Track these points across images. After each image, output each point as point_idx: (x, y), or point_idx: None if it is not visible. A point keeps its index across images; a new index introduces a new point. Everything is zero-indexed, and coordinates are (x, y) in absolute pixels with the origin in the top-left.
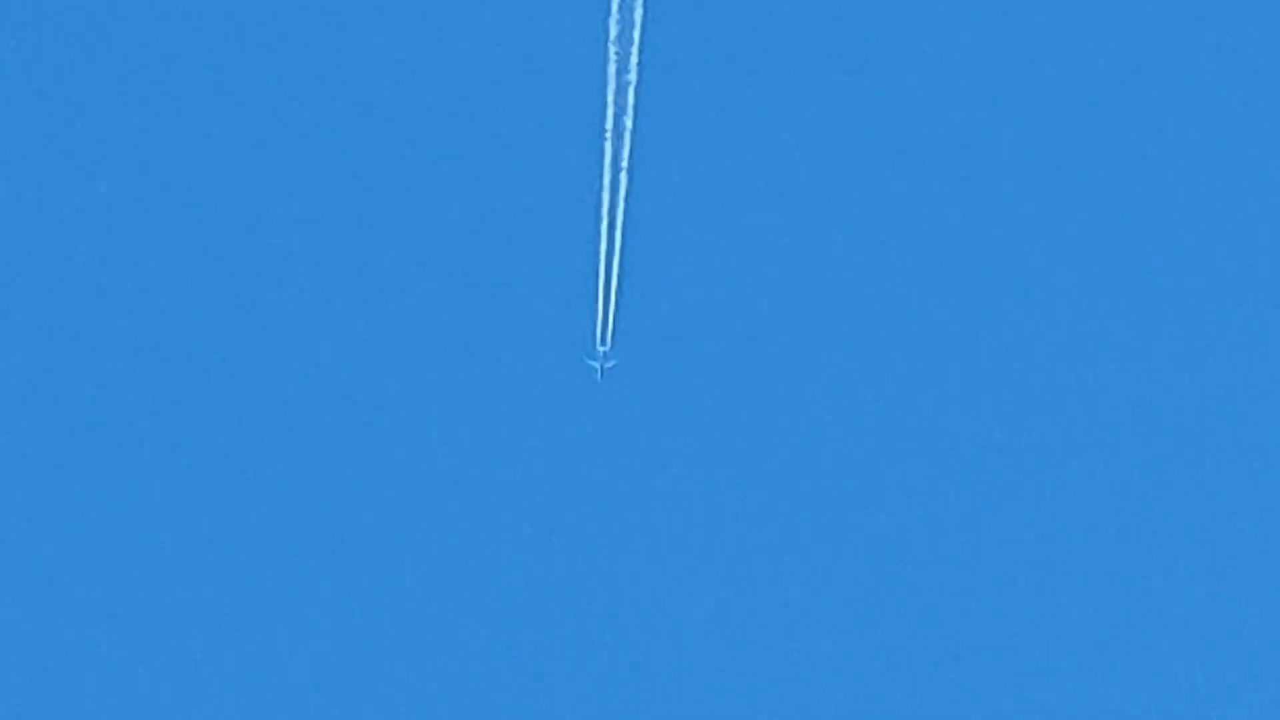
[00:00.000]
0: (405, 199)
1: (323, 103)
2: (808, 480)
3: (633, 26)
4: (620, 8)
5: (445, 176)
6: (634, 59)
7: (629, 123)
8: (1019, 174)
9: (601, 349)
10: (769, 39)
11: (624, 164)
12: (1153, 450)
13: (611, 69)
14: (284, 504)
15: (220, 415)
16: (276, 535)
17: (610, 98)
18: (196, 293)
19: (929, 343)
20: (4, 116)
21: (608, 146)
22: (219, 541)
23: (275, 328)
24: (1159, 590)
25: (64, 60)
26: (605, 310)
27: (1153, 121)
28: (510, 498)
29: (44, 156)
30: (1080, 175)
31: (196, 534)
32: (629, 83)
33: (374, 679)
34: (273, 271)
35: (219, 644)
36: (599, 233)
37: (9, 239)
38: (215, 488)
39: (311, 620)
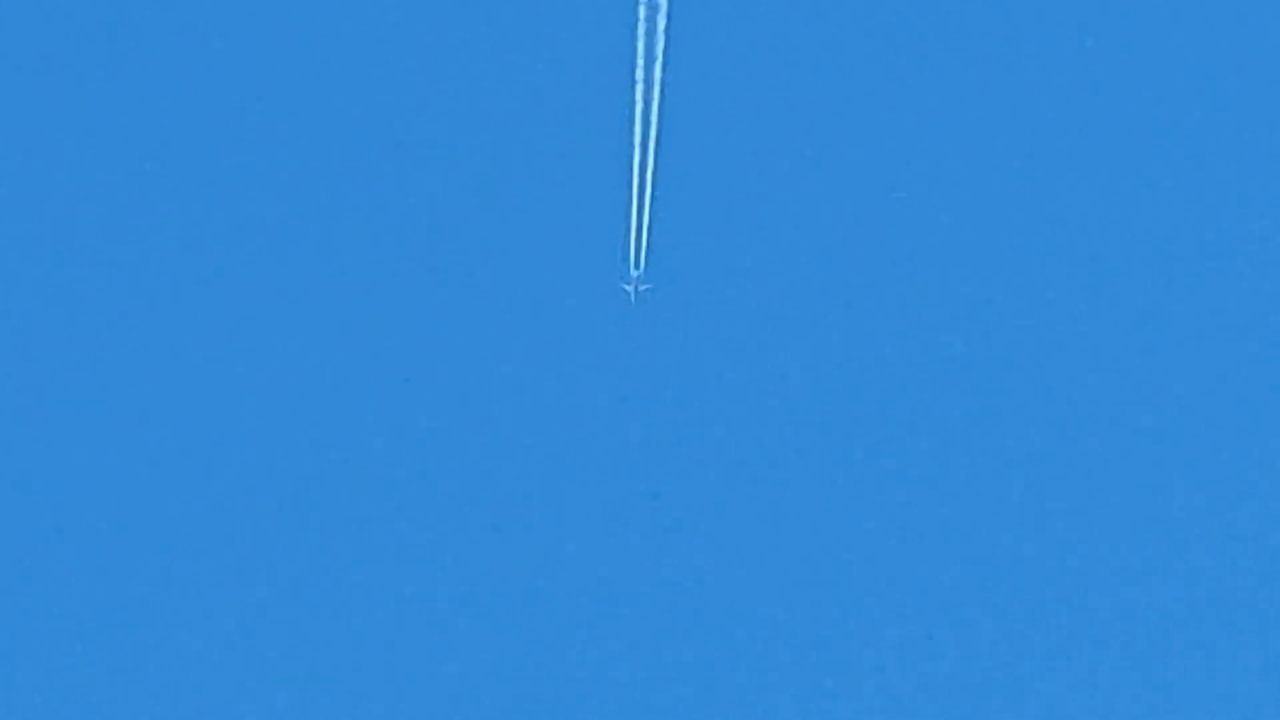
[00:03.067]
0: (436, 123)
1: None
2: (842, 412)
3: None
4: None
5: (477, 102)
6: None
7: (659, 60)
8: (1054, 167)
9: (635, 273)
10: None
11: (656, 85)
12: (1157, 451)
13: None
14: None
15: (241, 372)
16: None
17: (641, 31)
18: (226, 260)
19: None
20: (4, 116)
21: (639, 78)
22: (240, 513)
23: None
24: (1159, 590)
25: (64, 60)
26: (639, 234)
27: (1208, 137)
28: (545, 424)
29: (44, 156)
30: (1131, 173)
31: (227, 520)
32: (659, 20)
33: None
34: (298, 198)
35: (242, 637)
36: (632, 156)
37: (9, 239)
38: (227, 452)
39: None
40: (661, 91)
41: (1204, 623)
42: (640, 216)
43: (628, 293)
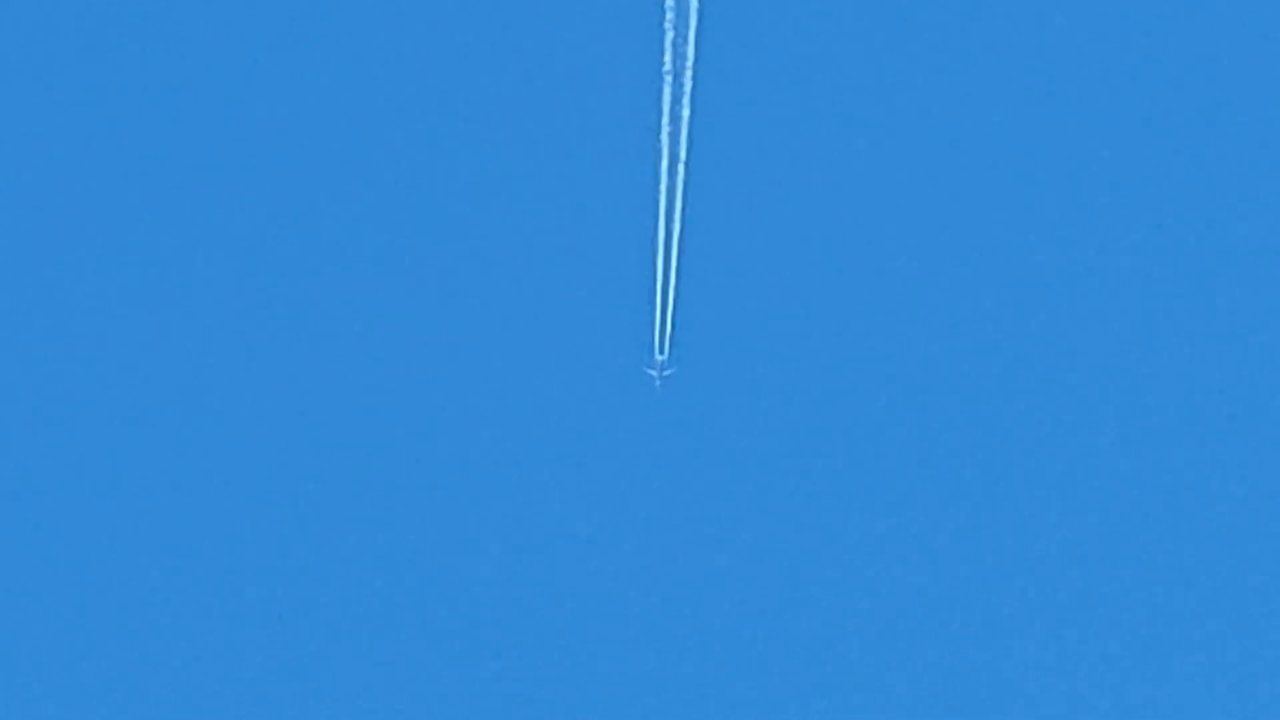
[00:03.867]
0: (462, 204)
1: (368, 103)
2: (865, 491)
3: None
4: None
5: (503, 186)
6: (689, 67)
7: (683, 146)
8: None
9: (660, 357)
10: (826, 41)
11: (681, 163)
12: (1162, 454)
13: (667, 87)
14: (331, 515)
15: (249, 435)
16: (317, 551)
17: (666, 103)
18: (248, 282)
19: (999, 366)
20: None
21: (664, 157)
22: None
23: (326, 332)
24: (1159, 591)
25: (64, 60)
26: (663, 318)
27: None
28: (567, 505)
29: (44, 156)
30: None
31: (238, 531)
32: (684, 86)
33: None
34: (321, 275)
35: (248, 643)
36: (656, 240)
37: (9, 239)
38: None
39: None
40: (686, 171)
41: (1204, 623)
42: (665, 301)
43: (652, 377)
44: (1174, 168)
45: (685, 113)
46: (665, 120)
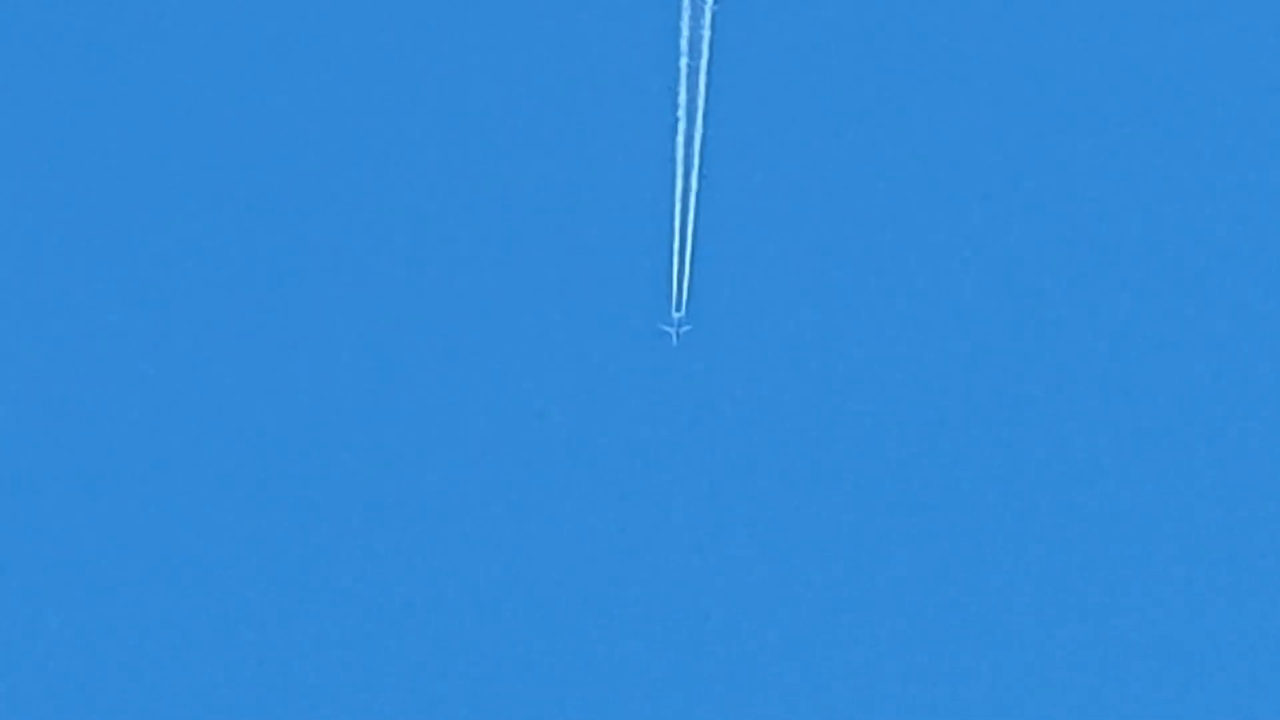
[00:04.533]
0: (479, 168)
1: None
2: (882, 452)
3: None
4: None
5: (521, 146)
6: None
7: (700, 104)
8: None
9: (677, 315)
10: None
11: (698, 128)
12: (1158, 452)
13: (683, 55)
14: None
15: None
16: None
17: (683, 61)
18: (252, 266)
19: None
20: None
21: (680, 120)
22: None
23: (338, 312)
24: (1159, 590)
25: (64, 60)
26: (680, 277)
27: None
28: (585, 464)
29: (44, 156)
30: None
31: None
32: (701, 52)
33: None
34: (329, 256)
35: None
36: (674, 197)
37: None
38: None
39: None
40: (703, 143)
41: (1205, 623)
42: (682, 260)
43: (669, 334)
44: (1199, 175)
45: (701, 83)
46: (682, 92)
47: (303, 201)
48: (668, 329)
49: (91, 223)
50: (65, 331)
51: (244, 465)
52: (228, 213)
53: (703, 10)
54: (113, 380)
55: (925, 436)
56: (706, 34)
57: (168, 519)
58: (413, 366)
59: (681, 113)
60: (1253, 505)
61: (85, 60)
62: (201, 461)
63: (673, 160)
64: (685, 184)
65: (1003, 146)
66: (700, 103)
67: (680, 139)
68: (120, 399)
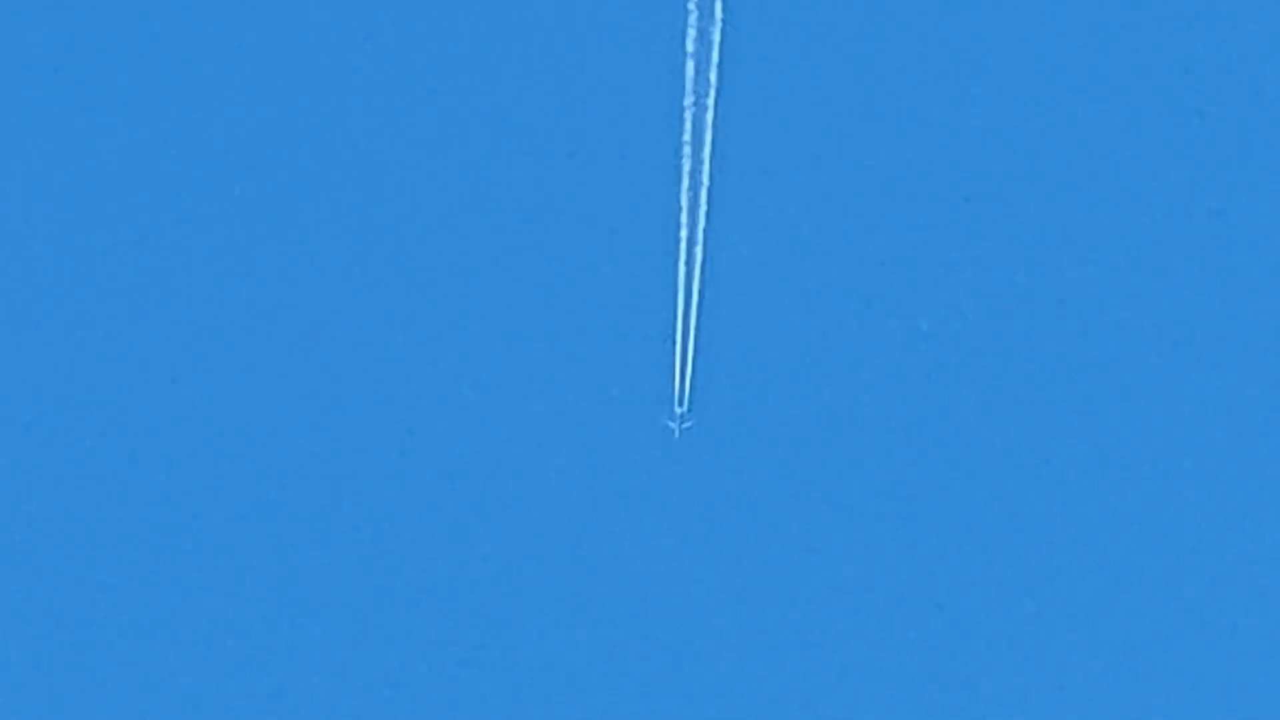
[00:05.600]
0: (479, 249)
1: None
2: (889, 543)
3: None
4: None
5: (521, 232)
6: (710, 108)
7: (705, 181)
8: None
9: (679, 410)
10: (855, 61)
11: (701, 211)
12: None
13: (688, 122)
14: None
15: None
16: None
17: (687, 138)
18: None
19: (1025, 402)
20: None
21: (683, 202)
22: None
23: (327, 370)
24: (1158, 590)
25: (64, 60)
26: (683, 371)
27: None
28: (586, 555)
29: (44, 156)
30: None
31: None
32: (706, 123)
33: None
34: (337, 313)
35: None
36: (676, 290)
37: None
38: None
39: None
40: (707, 218)
41: (1204, 622)
42: (685, 352)
43: (671, 429)
44: (1200, 175)
45: (706, 160)
46: (686, 171)
47: (299, 202)
48: (670, 424)
49: (91, 222)
50: (65, 331)
51: (216, 483)
52: (225, 211)
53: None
54: (112, 379)
55: (937, 548)
56: (714, 54)
57: (167, 518)
58: (407, 447)
59: (686, 164)
60: (1254, 505)
61: (85, 60)
62: (191, 460)
63: (677, 240)
64: (689, 275)
65: (1031, 193)
66: (702, 201)
67: (683, 223)
68: (119, 398)
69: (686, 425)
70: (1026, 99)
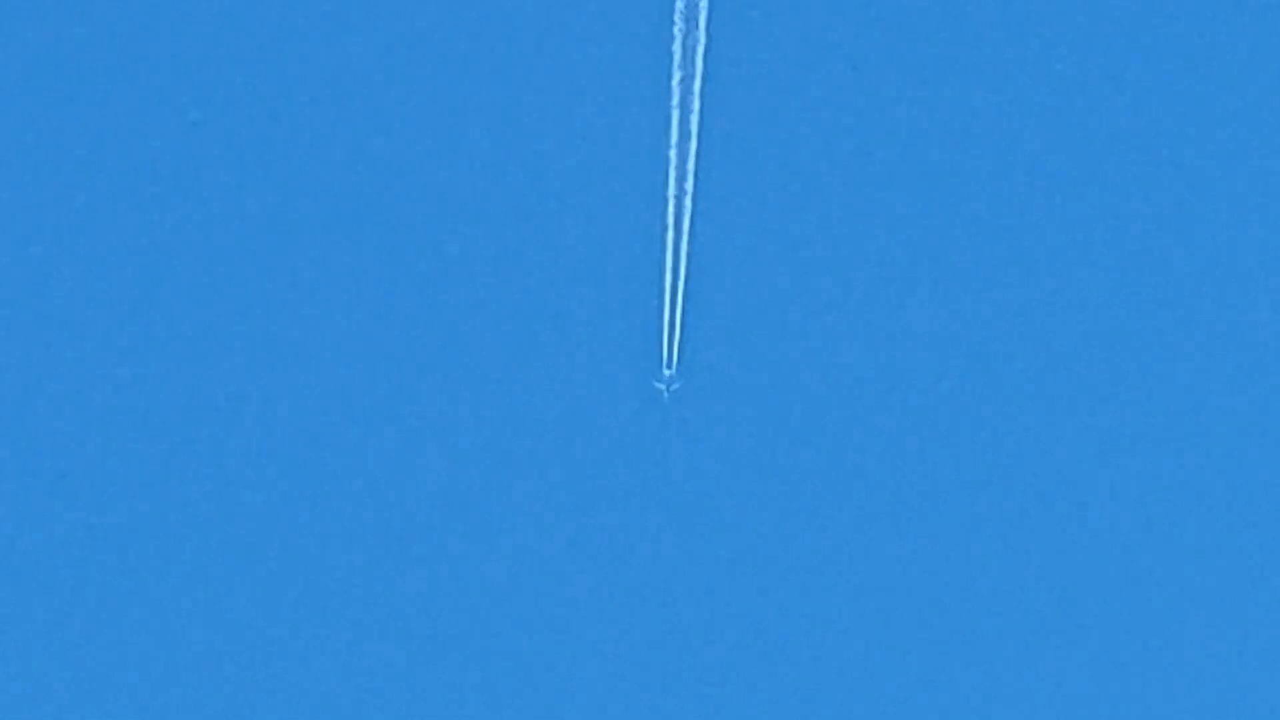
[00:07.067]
0: (467, 222)
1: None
2: (877, 504)
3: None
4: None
5: (510, 198)
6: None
7: (691, 159)
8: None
9: (667, 371)
10: (840, 53)
11: (690, 175)
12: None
13: (675, 95)
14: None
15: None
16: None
17: (674, 117)
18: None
19: (1020, 381)
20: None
21: (671, 168)
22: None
23: (321, 353)
24: (1160, 592)
25: (64, 60)
26: (671, 333)
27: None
28: (573, 521)
29: (44, 156)
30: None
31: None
32: (693, 93)
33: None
34: (335, 301)
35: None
36: (664, 253)
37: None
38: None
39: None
40: (695, 181)
41: (1204, 622)
42: (673, 314)
43: (660, 391)
44: (1202, 176)
45: (694, 127)
46: (673, 139)
47: (299, 202)
48: (659, 385)
49: (91, 222)
50: (65, 331)
51: (207, 471)
52: (221, 210)
53: (695, 40)
54: (112, 380)
55: (926, 499)
56: (700, 48)
57: (167, 518)
58: (390, 409)
59: (671, 162)
60: (1253, 505)
61: (85, 59)
62: (192, 460)
63: (664, 209)
64: (676, 237)
65: (1013, 177)
66: (691, 156)
67: (671, 191)
68: (119, 398)
69: (675, 387)
70: (1027, 99)
